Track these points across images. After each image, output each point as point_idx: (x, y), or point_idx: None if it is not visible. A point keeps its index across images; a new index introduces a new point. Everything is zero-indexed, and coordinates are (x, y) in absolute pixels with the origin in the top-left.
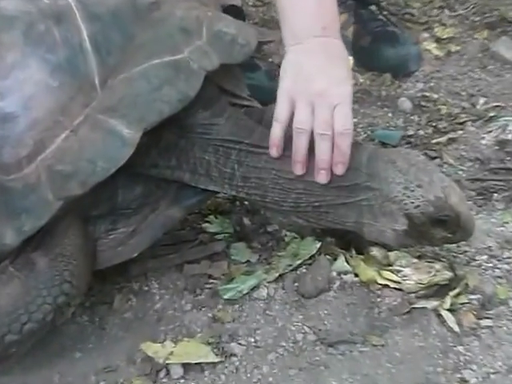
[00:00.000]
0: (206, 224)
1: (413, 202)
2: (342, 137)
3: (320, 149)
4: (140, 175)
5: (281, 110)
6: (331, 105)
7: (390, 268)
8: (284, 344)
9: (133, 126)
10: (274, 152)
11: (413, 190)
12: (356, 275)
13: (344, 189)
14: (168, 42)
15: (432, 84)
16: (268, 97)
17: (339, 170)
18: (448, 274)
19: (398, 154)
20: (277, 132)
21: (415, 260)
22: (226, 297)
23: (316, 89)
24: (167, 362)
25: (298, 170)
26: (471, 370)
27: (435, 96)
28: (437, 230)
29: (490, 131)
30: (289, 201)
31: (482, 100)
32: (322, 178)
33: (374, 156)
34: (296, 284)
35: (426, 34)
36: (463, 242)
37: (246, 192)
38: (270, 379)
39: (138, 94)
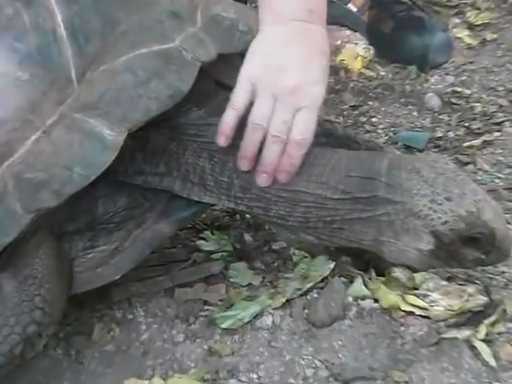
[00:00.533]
0: (201, 241)
1: (440, 218)
2: (297, 146)
3: (268, 151)
4: (124, 184)
5: (239, 97)
6: (297, 106)
7: (416, 292)
8: (292, 381)
9: (115, 127)
10: (221, 141)
11: (440, 204)
12: (376, 300)
13: (360, 201)
14: (156, 29)
15: (464, 78)
16: None
17: (282, 177)
18: (483, 299)
19: (424, 161)
20: (229, 119)
21: (445, 283)
22: (223, 326)
23: (286, 83)
24: None
25: (244, 166)
26: None
27: (468, 92)
28: (468, 249)
29: None
30: (296, 215)
31: None
32: (262, 180)
33: (396, 164)
34: (306, 311)
35: (457, 20)
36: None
37: (247, 204)
38: None
39: (121, 89)
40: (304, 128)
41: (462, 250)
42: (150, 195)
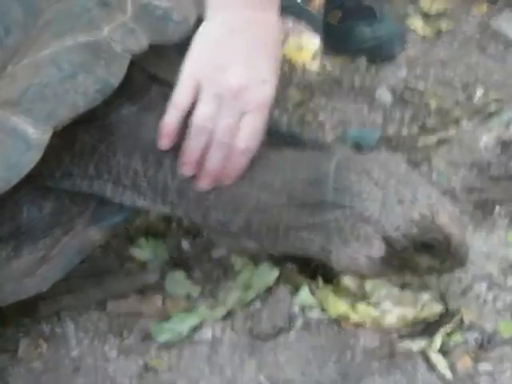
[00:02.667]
0: (135, 249)
1: (392, 223)
2: (240, 154)
3: (212, 157)
4: (50, 188)
5: (181, 95)
6: (242, 109)
7: (367, 301)
8: None
9: (40, 124)
10: (164, 144)
11: (392, 208)
12: (324, 310)
13: (306, 207)
14: (83, 18)
15: (418, 71)
16: None
17: (225, 183)
18: (438, 308)
19: (374, 161)
20: (171, 120)
21: (397, 290)
22: (160, 340)
23: (230, 83)
24: None
25: (187, 171)
26: None
27: (422, 86)
28: (422, 257)
29: (490, 130)
30: (237, 221)
31: (479, 91)
32: (203, 185)
33: (344, 165)
34: (249, 323)
35: (410, 9)
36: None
37: (184, 210)
38: None
39: (45, 84)
40: (249, 135)
41: (416, 256)
42: (79, 200)
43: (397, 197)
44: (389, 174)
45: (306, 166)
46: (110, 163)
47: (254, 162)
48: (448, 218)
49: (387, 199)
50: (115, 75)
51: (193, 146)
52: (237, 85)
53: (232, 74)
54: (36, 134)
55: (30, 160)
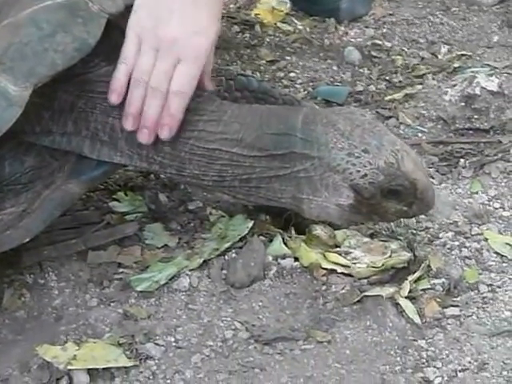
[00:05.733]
0: (114, 202)
1: (359, 171)
2: (175, 98)
3: (148, 105)
4: (31, 144)
5: (128, 51)
6: (177, 58)
7: (337, 250)
8: (211, 343)
9: (20, 82)
10: (113, 98)
11: (358, 157)
12: (296, 259)
13: (276, 158)
14: None
15: (384, 30)
16: None
17: (164, 133)
18: (406, 255)
19: (340, 113)
20: (120, 75)
21: (367, 239)
22: (139, 289)
23: (165, 34)
24: (69, 367)
25: (128, 124)
26: (435, 367)
27: (388, 44)
28: (390, 202)
29: (455, 85)
30: (211, 174)
31: (444, 48)
32: (143, 137)
33: (311, 118)
34: (224, 272)
35: None
36: (424, 217)
37: (160, 164)
38: None
39: (26, 43)
40: (183, 79)
41: (384, 203)
42: (59, 155)
43: (362, 146)
44: (354, 125)
45: (275, 120)
46: (88, 119)
47: (226, 117)
48: (413, 163)
49: (353, 149)
50: (93, 34)
51: (132, 98)
52: (170, 36)
53: (167, 25)
54: (17, 92)
55: (11, 116)
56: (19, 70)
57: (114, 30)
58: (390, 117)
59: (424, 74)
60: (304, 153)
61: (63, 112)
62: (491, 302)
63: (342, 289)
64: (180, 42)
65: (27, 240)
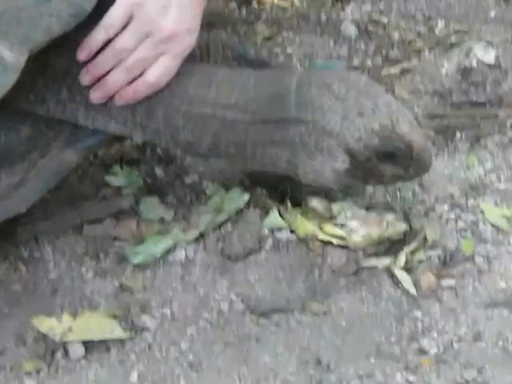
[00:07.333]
0: (110, 176)
1: (354, 134)
2: (146, 86)
3: (114, 77)
4: (26, 113)
5: (114, 20)
6: (165, 51)
7: (333, 221)
8: (206, 315)
9: (16, 47)
10: (82, 56)
11: (353, 120)
12: (292, 231)
13: (271, 123)
14: None
15: (381, 5)
16: None
17: (120, 102)
18: (402, 227)
19: (334, 76)
20: (98, 37)
21: (363, 211)
22: (135, 261)
23: (164, 27)
24: (65, 339)
25: (85, 80)
26: (431, 338)
27: (385, 19)
28: (386, 165)
29: (451, 59)
30: (206, 141)
31: (441, 23)
32: (95, 96)
33: (306, 80)
34: (220, 244)
35: None
36: (420, 190)
37: (154, 131)
38: (190, 357)
39: (21, 8)
40: (162, 72)
41: (380, 166)
42: (54, 124)
43: (357, 108)
44: (349, 87)
45: (268, 83)
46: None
47: (218, 82)
48: (408, 125)
49: (348, 112)
50: (89, 0)
51: (101, 63)
52: (170, 30)
53: (164, 20)
54: (12, 57)
55: (6, 82)
56: (15, 36)
57: None
58: (387, 91)
59: (420, 49)
60: (298, 116)
61: (57, 78)
62: (487, 273)
63: (338, 260)
64: (173, 39)
65: (23, 210)
